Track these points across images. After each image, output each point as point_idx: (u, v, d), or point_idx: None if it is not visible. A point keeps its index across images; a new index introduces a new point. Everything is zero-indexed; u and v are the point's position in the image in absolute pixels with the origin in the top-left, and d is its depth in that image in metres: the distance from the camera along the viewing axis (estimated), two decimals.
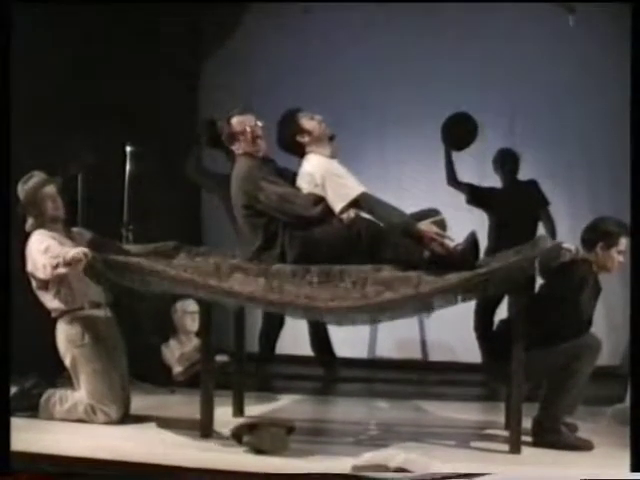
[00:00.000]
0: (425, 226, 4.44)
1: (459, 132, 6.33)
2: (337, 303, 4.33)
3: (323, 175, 4.59)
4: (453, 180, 6.56)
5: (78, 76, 6.37)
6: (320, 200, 4.59)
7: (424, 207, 4.69)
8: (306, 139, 4.73)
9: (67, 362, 4.99)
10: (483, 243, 5.55)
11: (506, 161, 6.58)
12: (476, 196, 6.57)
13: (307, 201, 4.60)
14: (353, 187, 4.55)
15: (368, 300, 4.31)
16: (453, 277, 4.28)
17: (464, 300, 4.35)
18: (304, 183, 4.66)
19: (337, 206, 4.54)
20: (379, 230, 4.50)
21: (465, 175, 6.62)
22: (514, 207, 6.39)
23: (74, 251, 4.59)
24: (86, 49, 6.46)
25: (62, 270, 4.66)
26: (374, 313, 4.45)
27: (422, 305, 4.41)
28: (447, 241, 4.40)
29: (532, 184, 6.57)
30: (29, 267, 4.85)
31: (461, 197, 6.55)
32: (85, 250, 4.57)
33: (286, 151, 4.79)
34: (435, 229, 4.43)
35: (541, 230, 6.33)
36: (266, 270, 4.45)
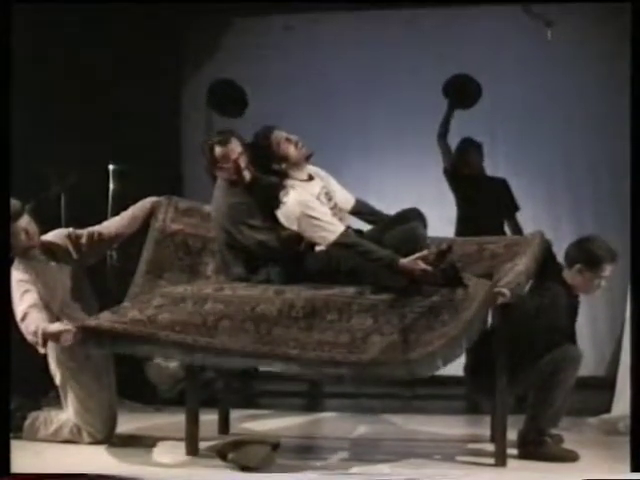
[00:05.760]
0: (410, 263, 4.36)
1: (465, 91, 6.39)
2: (328, 355, 4.26)
3: (299, 218, 4.52)
4: (443, 138, 6.52)
5: (61, 97, 6.38)
6: (300, 239, 4.57)
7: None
8: (283, 166, 4.66)
9: (57, 380, 4.96)
10: None
11: (470, 150, 6.53)
12: (452, 171, 6.51)
13: (286, 244, 4.57)
14: (330, 230, 4.49)
15: (359, 354, 4.24)
16: (436, 342, 4.24)
17: (445, 364, 4.30)
18: (283, 217, 4.59)
19: (318, 248, 4.56)
20: (357, 260, 4.46)
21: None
22: (482, 200, 6.36)
23: (55, 327, 4.57)
24: (70, 69, 6.47)
25: (42, 350, 4.69)
26: (362, 374, 4.34)
27: (410, 371, 4.30)
28: (430, 274, 4.35)
29: (501, 182, 6.54)
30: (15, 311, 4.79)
31: (444, 212, 6.54)
32: (65, 327, 4.54)
33: (264, 173, 4.71)
34: (421, 266, 4.35)
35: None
36: (252, 312, 4.38)
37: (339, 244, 4.47)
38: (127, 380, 5.37)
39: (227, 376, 5.36)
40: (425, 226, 4.61)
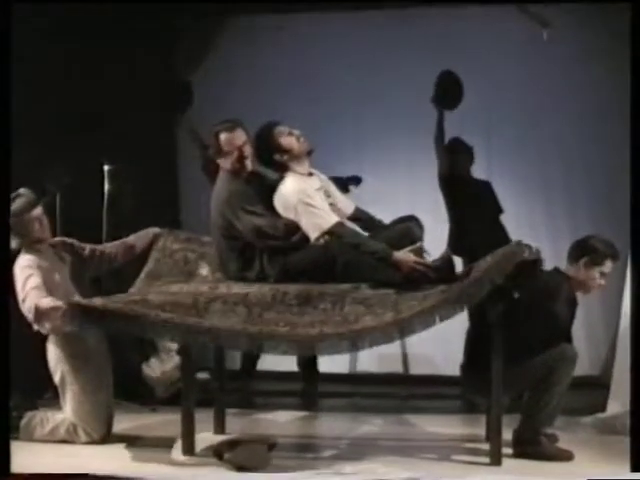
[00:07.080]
0: (403, 255, 4.41)
1: (451, 91, 6.39)
2: (318, 329, 4.29)
3: (296, 205, 4.57)
4: (440, 141, 6.48)
5: (57, 95, 6.37)
6: (297, 228, 4.59)
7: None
8: (285, 157, 4.70)
9: (56, 379, 4.95)
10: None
11: (458, 152, 6.51)
12: (446, 174, 6.50)
13: (283, 232, 4.59)
14: (325, 218, 4.54)
15: (349, 326, 4.28)
16: (431, 299, 4.27)
17: (442, 320, 4.31)
18: (280, 207, 4.64)
19: (311, 236, 4.56)
20: (353, 254, 4.48)
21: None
22: (470, 203, 6.37)
23: (46, 303, 4.64)
24: (65, 67, 6.46)
25: (35, 326, 4.73)
26: (354, 340, 4.35)
27: (402, 330, 4.35)
28: (423, 267, 4.38)
29: (486, 185, 6.55)
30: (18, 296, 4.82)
31: (438, 210, 6.54)
32: (56, 304, 4.60)
33: (265, 166, 4.78)
34: (413, 258, 4.40)
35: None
36: (245, 297, 4.42)
37: (332, 233, 4.50)
38: (124, 381, 5.38)
39: (223, 376, 5.36)
40: (421, 229, 4.65)
